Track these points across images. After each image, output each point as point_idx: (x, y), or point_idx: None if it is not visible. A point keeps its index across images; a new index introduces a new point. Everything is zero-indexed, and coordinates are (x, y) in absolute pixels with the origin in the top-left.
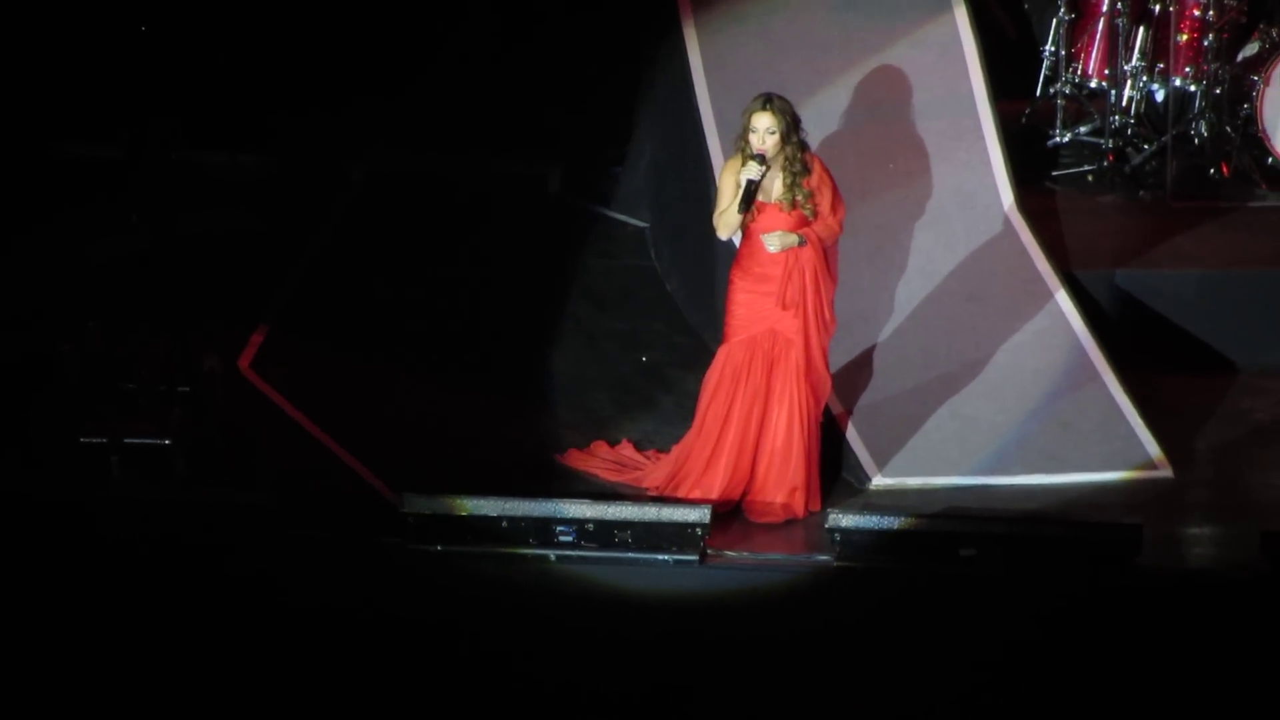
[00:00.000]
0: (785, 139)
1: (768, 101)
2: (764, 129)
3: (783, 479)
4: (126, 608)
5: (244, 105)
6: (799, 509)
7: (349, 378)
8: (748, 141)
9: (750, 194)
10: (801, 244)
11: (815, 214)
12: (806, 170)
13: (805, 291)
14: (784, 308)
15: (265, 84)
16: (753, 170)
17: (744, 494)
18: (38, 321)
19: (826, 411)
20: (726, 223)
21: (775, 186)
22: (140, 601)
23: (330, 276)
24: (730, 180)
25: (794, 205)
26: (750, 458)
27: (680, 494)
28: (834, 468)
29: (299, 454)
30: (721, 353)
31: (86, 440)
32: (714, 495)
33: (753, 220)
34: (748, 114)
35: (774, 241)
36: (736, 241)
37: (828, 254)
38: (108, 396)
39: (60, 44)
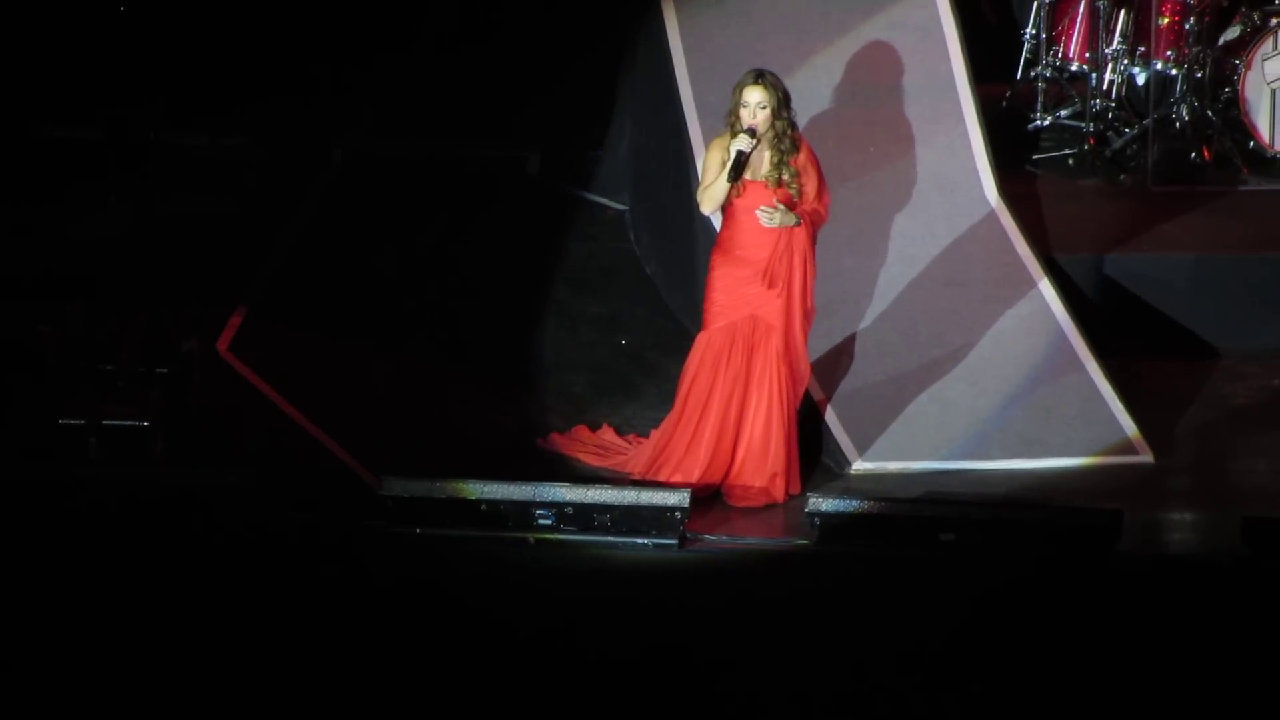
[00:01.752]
0: (776, 114)
1: (760, 76)
2: (755, 103)
3: (762, 465)
4: (104, 588)
5: (224, 87)
6: (779, 494)
7: (328, 360)
8: (738, 117)
9: (740, 164)
10: (797, 224)
11: (800, 194)
12: (795, 148)
13: (793, 272)
14: (769, 285)
15: (245, 66)
16: (743, 141)
17: (724, 479)
18: (17, 303)
19: (807, 396)
20: (712, 196)
21: (762, 164)
22: (119, 582)
23: (310, 259)
24: (717, 156)
25: (780, 184)
26: (730, 443)
27: (661, 479)
28: (814, 452)
29: (278, 436)
30: (701, 339)
31: (65, 421)
32: (695, 480)
33: (738, 197)
34: (739, 88)
35: (774, 216)
36: (717, 224)
37: (813, 243)
38: (87, 377)
39: (39, 25)
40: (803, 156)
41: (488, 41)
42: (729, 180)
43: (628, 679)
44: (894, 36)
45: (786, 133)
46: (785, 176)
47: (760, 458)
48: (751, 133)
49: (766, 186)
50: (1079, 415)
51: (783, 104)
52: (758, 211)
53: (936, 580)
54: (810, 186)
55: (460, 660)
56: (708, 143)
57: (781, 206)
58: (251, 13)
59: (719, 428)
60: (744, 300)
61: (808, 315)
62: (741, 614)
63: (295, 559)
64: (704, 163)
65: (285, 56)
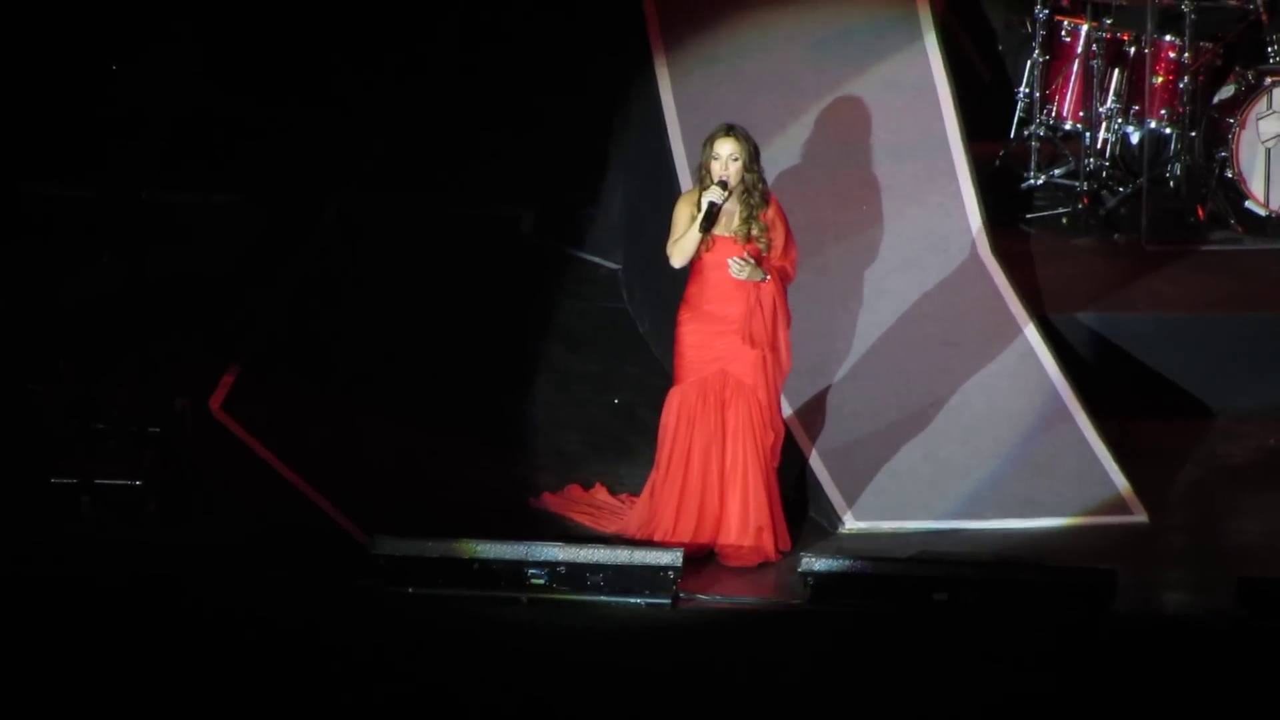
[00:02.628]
0: (746, 168)
1: (731, 129)
2: (727, 155)
3: (746, 521)
4: (95, 648)
5: (216, 145)
6: (770, 550)
7: (320, 419)
8: (708, 170)
9: (712, 216)
10: (764, 279)
11: (769, 248)
12: (764, 203)
13: (766, 328)
14: (751, 344)
15: (237, 124)
16: (715, 193)
17: (715, 539)
18: (8, 361)
19: (795, 451)
20: (682, 249)
21: (732, 219)
22: (109, 642)
23: (302, 318)
24: (686, 211)
25: (749, 239)
26: (716, 500)
27: (656, 539)
28: (803, 506)
29: (270, 495)
30: (673, 395)
31: (57, 481)
32: (688, 540)
33: (706, 251)
34: (710, 142)
35: (743, 269)
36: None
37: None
38: (79, 437)
39: (31, 83)
40: (771, 211)
41: (482, 99)
42: (701, 231)
43: None
44: (887, 95)
45: (756, 186)
46: (755, 231)
47: (743, 514)
48: (723, 185)
49: (735, 241)
50: (1073, 474)
51: (753, 158)
52: (730, 260)
53: (930, 641)
54: (779, 240)
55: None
56: (682, 195)
57: (751, 260)
58: (242, 71)
59: (702, 484)
60: (714, 355)
61: (782, 368)
62: (735, 674)
63: (287, 618)
64: (673, 217)
65: (277, 114)
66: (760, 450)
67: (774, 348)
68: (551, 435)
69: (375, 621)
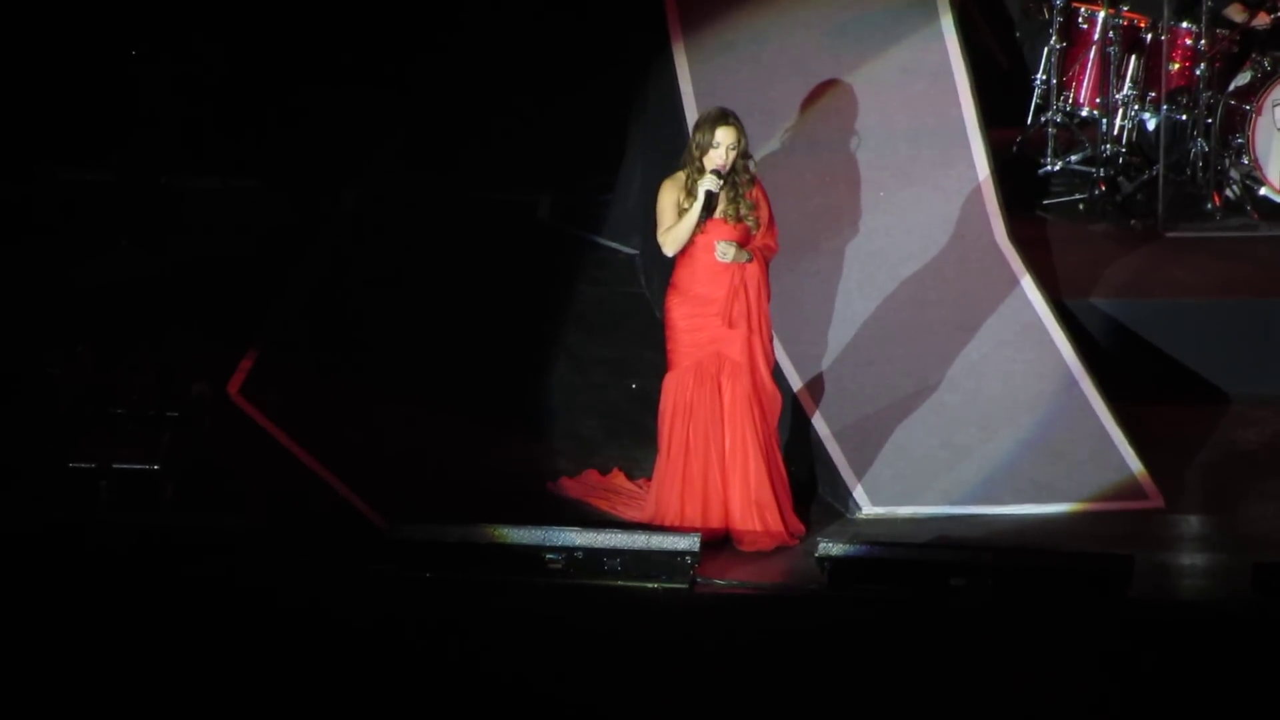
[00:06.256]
0: (741, 154)
1: (728, 116)
2: (728, 145)
3: (748, 501)
4: (114, 632)
5: (235, 130)
6: (780, 531)
7: (339, 403)
8: (704, 156)
9: (710, 205)
10: (749, 260)
11: (757, 226)
12: (750, 182)
13: (750, 308)
14: (730, 325)
15: (256, 108)
16: (711, 182)
17: (727, 524)
18: (27, 346)
19: (811, 435)
20: (676, 237)
21: (720, 202)
22: (128, 626)
23: (321, 302)
24: (671, 198)
25: (739, 218)
26: (720, 483)
27: (665, 524)
28: (812, 489)
29: (288, 480)
30: (669, 381)
31: (76, 465)
32: (697, 524)
33: (693, 241)
34: (707, 128)
35: (727, 251)
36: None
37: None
38: (97, 421)
39: (52, 68)
40: (756, 189)
41: (499, 85)
42: (701, 219)
43: None
44: (905, 80)
45: (744, 168)
46: (743, 210)
47: (746, 496)
48: (718, 173)
49: (726, 222)
50: (1089, 460)
51: (746, 143)
52: (716, 243)
53: (947, 626)
54: (764, 218)
55: (472, 704)
56: (664, 181)
57: (734, 243)
58: (262, 56)
59: (704, 468)
60: (708, 338)
61: (768, 349)
62: (752, 658)
63: (304, 602)
64: (659, 204)
65: (297, 99)
66: (759, 430)
67: (761, 326)
68: (569, 420)
69: (392, 605)
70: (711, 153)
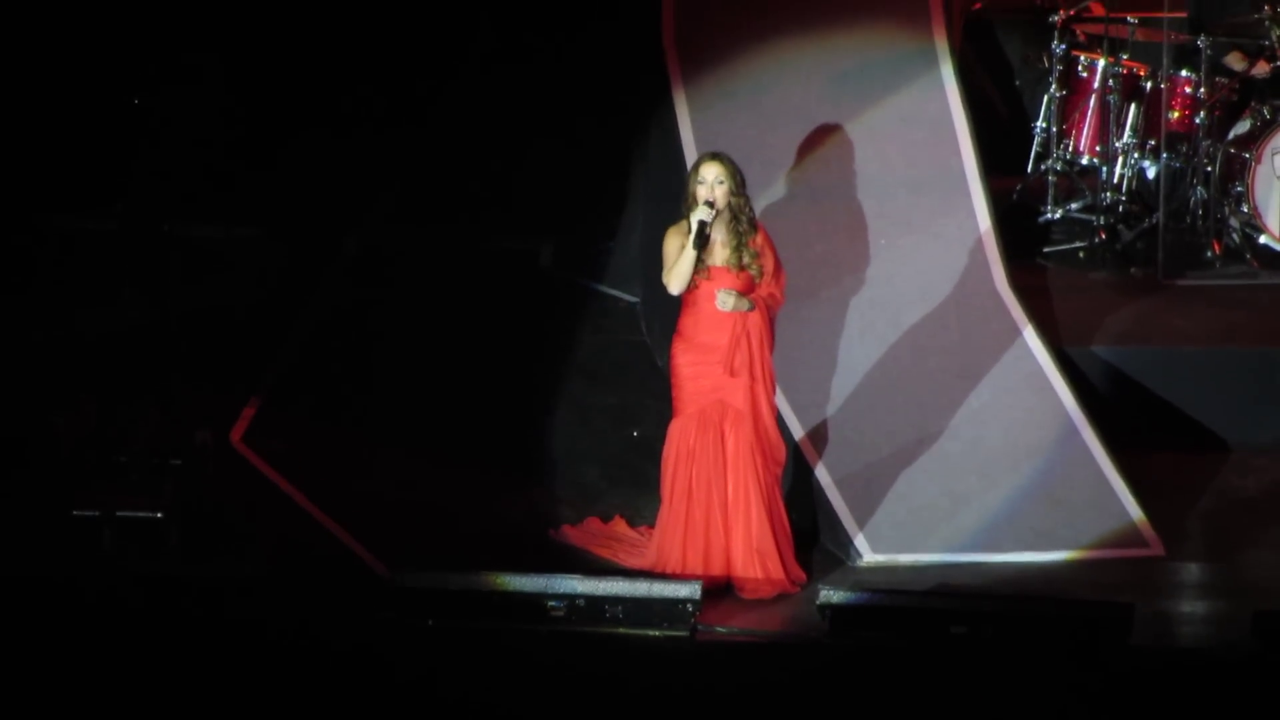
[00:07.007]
0: (733, 192)
1: (715, 155)
2: (713, 179)
3: (749, 549)
4: (117, 681)
5: (237, 178)
6: (782, 579)
7: (341, 451)
8: (694, 196)
9: (703, 234)
10: (751, 309)
11: (760, 275)
12: (753, 229)
13: (753, 357)
14: (732, 374)
15: (258, 157)
16: (703, 212)
17: (728, 571)
18: (30, 394)
19: (811, 482)
20: (679, 274)
21: (723, 250)
22: (131, 674)
23: (323, 350)
24: (675, 242)
25: (741, 267)
26: (722, 532)
27: (667, 572)
28: (813, 536)
29: (291, 527)
30: (674, 428)
31: (79, 513)
32: (698, 572)
33: (697, 288)
34: (695, 168)
35: (727, 300)
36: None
37: (770, 322)
38: (100, 469)
39: (54, 116)
40: (760, 238)
41: (500, 132)
42: (695, 248)
43: None
44: (905, 129)
45: (744, 212)
46: (746, 258)
47: (748, 545)
48: (710, 205)
49: (729, 270)
50: (1089, 507)
51: (739, 184)
52: (717, 291)
53: (948, 674)
54: (768, 267)
55: None
56: (670, 228)
57: (735, 292)
58: (264, 104)
59: (706, 517)
60: (711, 385)
61: (771, 397)
62: (753, 706)
63: (307, 650)
64: (664, 249)
65: (299, 146)
66: (761, 478)
67: (762, 376)
68: (571, 468)
69: (394, 653)
70: (699, 190)
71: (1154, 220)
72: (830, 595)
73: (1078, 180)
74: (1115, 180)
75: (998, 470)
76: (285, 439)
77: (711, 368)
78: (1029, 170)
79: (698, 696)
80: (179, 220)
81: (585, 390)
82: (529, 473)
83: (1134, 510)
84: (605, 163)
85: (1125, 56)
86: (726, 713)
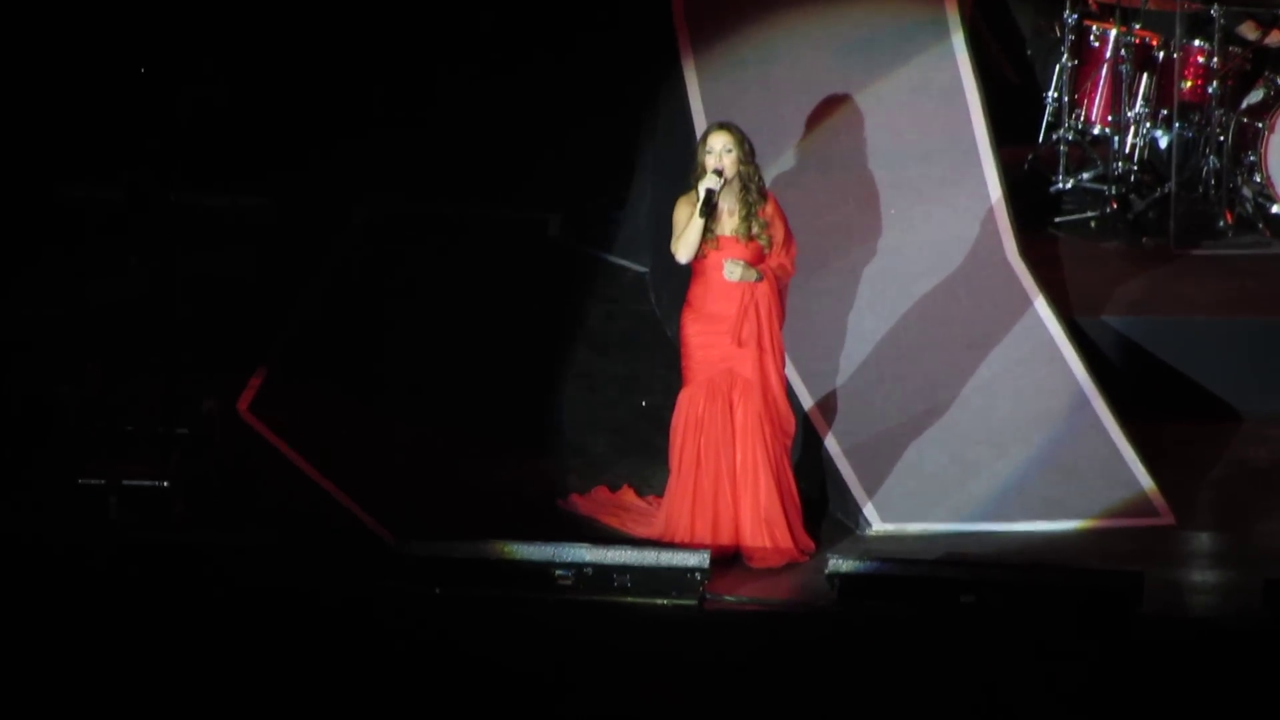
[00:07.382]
0: (741, 161)
1: (723, 124)
2: (720, 147)
3: (758, 518)
4: (123, 648)
5: (244, 148)
6: (790, 548)
7: (347, 420)
8: (703, 165)
9: (710, 202)
10: (759, 279)
11: (770, 245)
12: (763, 198)
13: (760, 328)
14: (739, 345)
15: (266, 127)
16: (712, 180)
17: (737, 541)
18: (36, 363)
19: (821, 452)
20: (688, 241)
21: (732, 220)
22: (137, 642)
23: (329, 319)
24: (685, 211)
25: (750, 237)
26: (731, 500)
27: (676, 542)
28: (822, 506)
29: (297, 496)
30: (683, 397)
31: (85, 482)
32: (707, 541)
33: (705, 257)
34: (705, 135)
35: (735, 270)
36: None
37: (781, 293)
38: (106, 438)
39: (60, 86)
40: (770, 208)
41: (508, 103)
42: (701, 217)
43: None
44: (916, 99)
45: (753, 181)
46: (755, 228)
47: (757, 514)
48: (718, 173)
49: (738, 240)
50: (1099, 477)
51: (748, 154)
52: (725, 261)
53: (957, 642)
54: (778, 236)
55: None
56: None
57: (742, 262)
58: (271, 74)
59: (714, 487)
60: (719, 355)
61: (781, 368)
62: (761, 675)
63: (313, 618)
64: (673, 218)
65: (306, 117)
66: (771, 448)
67: (772, 345)
68: (579, 437)
69: (401, 621)
70: (708, 159)
71: (1166, 190)
72: (839, 564)
73: (1089, 150)
74: (1127, 150)
75: (1008, 440)
76: (291, 408)
77: (720, 337)
78: (1040, 140)
79: (706, 665)
80: (185, 189)
81: (594, 360)
82: (537, 442)
83: (1145, 479)
84: (615, 133)
85: (1138, 26)
86: (735, 681)
